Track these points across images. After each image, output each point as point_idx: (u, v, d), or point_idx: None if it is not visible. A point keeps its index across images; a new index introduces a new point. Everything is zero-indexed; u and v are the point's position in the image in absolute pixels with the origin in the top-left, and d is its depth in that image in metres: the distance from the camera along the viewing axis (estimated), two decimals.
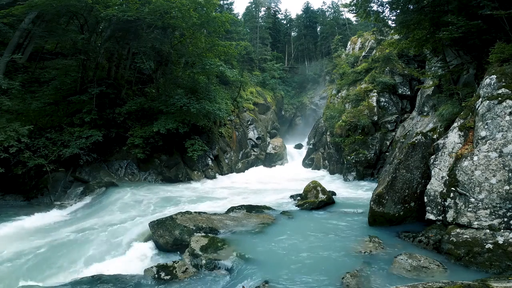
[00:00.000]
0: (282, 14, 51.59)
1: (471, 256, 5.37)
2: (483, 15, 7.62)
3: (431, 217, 6.52)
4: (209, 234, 7.08)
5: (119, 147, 14.57)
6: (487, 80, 6.61)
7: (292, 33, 51.85)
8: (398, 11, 10.86)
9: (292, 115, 36.73)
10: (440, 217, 6.37)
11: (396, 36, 13.55)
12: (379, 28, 20.38)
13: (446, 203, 6.26)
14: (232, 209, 9.30)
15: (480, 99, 6.59)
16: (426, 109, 14.25)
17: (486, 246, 5.30)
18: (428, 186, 6.77)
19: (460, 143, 6.72)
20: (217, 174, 17.37)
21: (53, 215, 10.00)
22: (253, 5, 43.43)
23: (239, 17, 40.04)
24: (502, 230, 5.36)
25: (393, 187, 7.49)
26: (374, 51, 21.82)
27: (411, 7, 10.25)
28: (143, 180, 14.43)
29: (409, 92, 18.20)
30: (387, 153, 16.30)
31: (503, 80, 6.31)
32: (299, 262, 5.60)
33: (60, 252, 6.90)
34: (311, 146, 24.17)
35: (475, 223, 5.69)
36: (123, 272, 6.01)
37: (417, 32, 10.30)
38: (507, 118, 5.83)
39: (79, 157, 12.66)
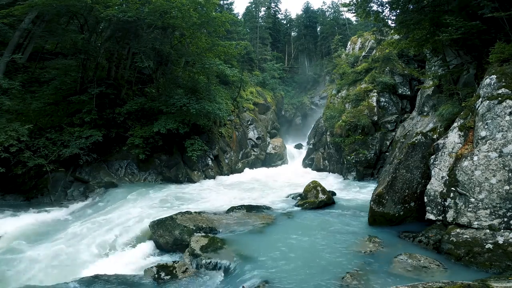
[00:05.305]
0: (282, 14, 51.57)
1: (471, 256, 5.38)
2: (483, 15, 7.62)
3: (431, 217, 6.53)
4: (209, 234, 7.10)
5: (119, 147, 14.56)
6: (487, 80, 6.62)
7: (292, 33, 51.81)
8: (398, 11, 10.86)
9: (292, 115, 36.70)
10: (440, 217, 6.37)
11: (396, 36, 13.54)
12: (379, 28, 20.35)
13: (446, 203, 6.27)
14: (232, 209, 9.31)
15: (480, 99, 6.60)
16: (426, 109, 14.25)
17: (486, 246, 5.30)
18: (428, 186, 6.77)
19: (460, 143, 6.73)
20: (217, 174, 17.34)
21: (53, 215, 9.99)
22: (253, 5, 43.42)
23: (239, 17, 40.01)
24: (502, 230, 5.37)
25: (393, 187, 7.50)
26: (374, 51, 21.82)
27: (411, 7, 10.25)
28: (143, 180, 14.43)
29: (409, 92, 18.19)
30: (387, 153, 16.29)
31: (503, 80, 6.31)
32: (299, 262, 5.61)
33: (59, 252, 6.90)
34: (311, 146, 24.15)
35: (475, 223, 5.69)
36: (123, 272, 6.02)
37: (417, 32, 10.29)
38: (507, 118, 5.84)
39: (79, 157, 12.65)
